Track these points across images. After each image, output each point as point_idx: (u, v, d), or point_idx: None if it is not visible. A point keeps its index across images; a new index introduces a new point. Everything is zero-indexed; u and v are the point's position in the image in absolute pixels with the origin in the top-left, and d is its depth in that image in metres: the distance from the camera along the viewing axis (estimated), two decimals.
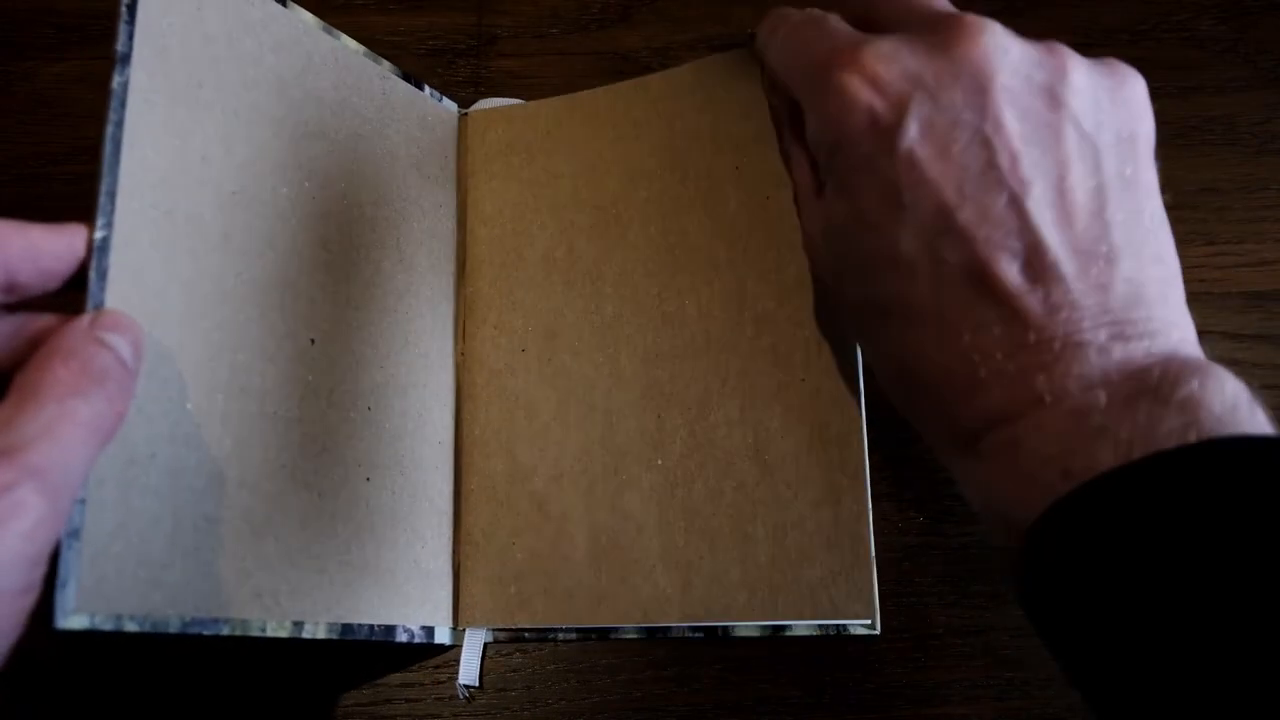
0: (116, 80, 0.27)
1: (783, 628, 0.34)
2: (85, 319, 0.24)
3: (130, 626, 0.24)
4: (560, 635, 0.35)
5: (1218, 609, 0.18)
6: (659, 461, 0.34)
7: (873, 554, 0.32)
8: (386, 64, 0.36)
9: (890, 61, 0.23)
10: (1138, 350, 0.21)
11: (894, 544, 0.35)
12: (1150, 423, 0.20)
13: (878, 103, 0.23)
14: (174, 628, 0.25)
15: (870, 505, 0.33)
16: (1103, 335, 0.21)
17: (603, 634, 0.35)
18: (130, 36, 0.27)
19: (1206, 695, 0.18)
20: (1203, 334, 0.38)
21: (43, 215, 0.40)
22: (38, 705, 0.33)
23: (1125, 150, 0.23)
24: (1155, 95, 0.40)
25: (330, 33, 0.34)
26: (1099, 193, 0.22)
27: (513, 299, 0.37)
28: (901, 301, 0.23)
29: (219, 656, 0.34)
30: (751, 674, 0.34)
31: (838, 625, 0.33)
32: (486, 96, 0.40)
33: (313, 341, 0.31)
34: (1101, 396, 0.21)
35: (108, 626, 0.24)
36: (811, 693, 0.34)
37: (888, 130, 0.23)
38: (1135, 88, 0.24)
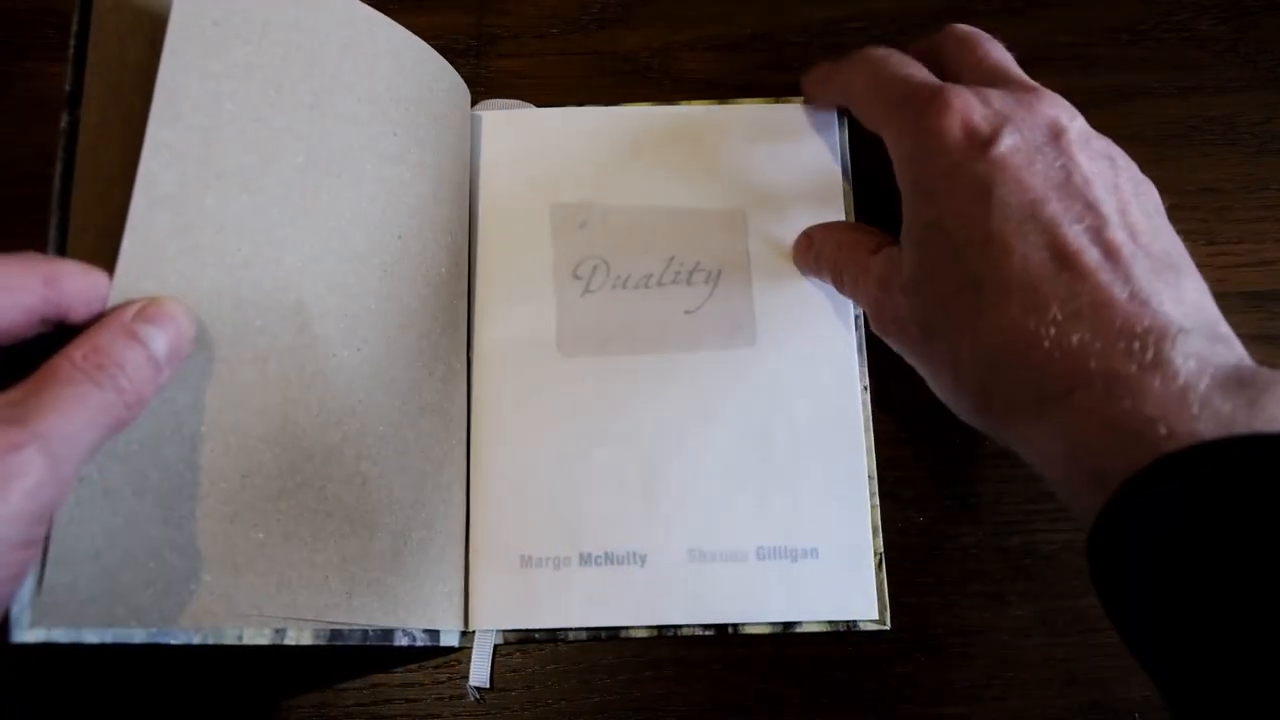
0: (66, 120, 0.26)
1: (792, 624, 0.34)
2: (132, 308, 0.25)
3: (90, 639, 0.24)
4: (570, 635, 0.35)
5: None
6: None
7: (881, 551, 0.34)
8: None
9: (987, 98, 0.29)
10: (1229, 353, 0.24)
11: (894, 544, 0.35)
12: (1250, 410, 0.22)
13: (975, 120, 0.28)
14: (139, 638, 0.25)
15: (876, 504, 0.35)
16: (1195, 331, 0.24)
17: (612, 633, 0.35)
18: (79, 77, 0.27)
19: None
20: None
21: (44, 215, 0.40)
22: (38, 705, 0.33)
23: (1153, 206, 0.29)
24: (1155, 95, 0.41)
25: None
26: (1153, 226, 0.27)
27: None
28: (994, 275, 0.27)
29: (214, 657, 0.34)
30: (752, 674, 0.34)
31: (848, 621, 0.34)
32: (487, 97, 0.40)
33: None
34: (1206, 379, 0.23)
35: (65, 639, 0.24)
36: (811, 693, 0.34)
37: (983, 141, 0.28)
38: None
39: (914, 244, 0.29)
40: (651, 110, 0.39)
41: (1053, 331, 0.25)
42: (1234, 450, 0.21)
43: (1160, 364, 0.23)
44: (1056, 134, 0.28)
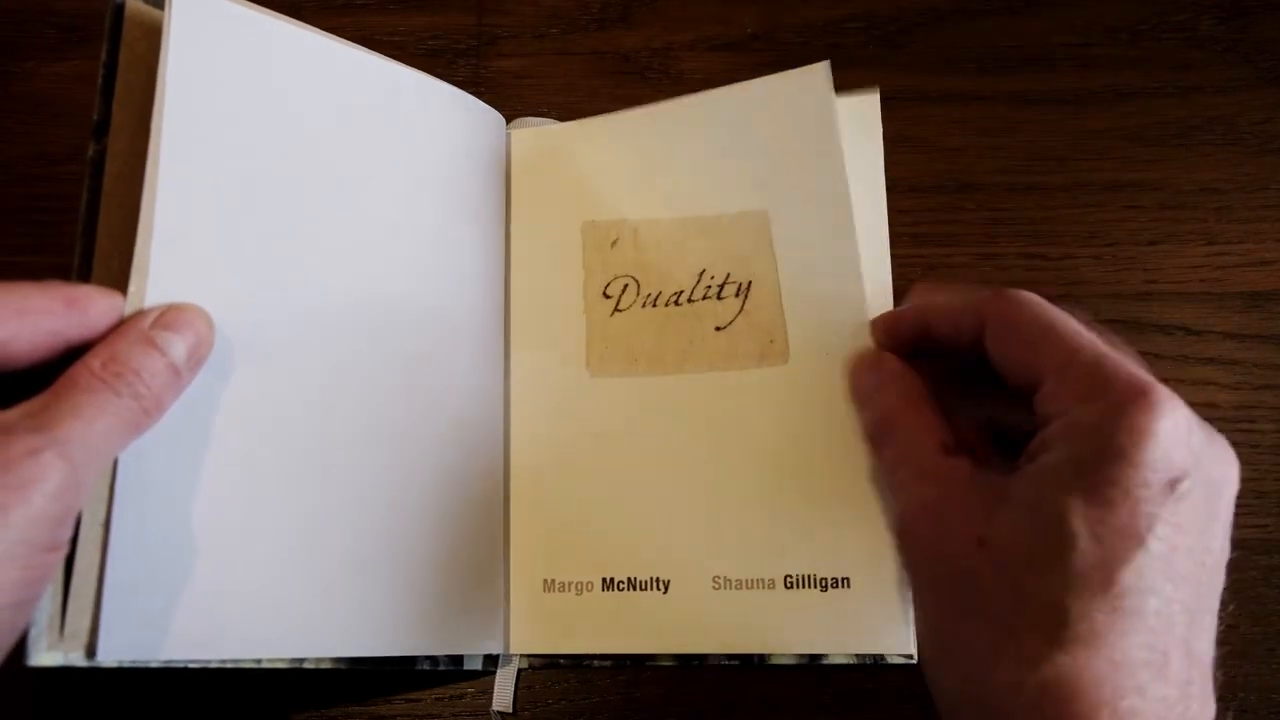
0: (93, 148, 0.27)
1: (819, 656, 0.33)
2: (149, 316, 0.25)
3: (107, 662, 0.25)
4: (595, 663, 0.34)
5: None
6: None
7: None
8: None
9: (1195, 430, 0.25)
10: None
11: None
12: None
13: (1177, 456, 0.25)
14: (156, 663, 0.25)
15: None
16: None
17: (638, 662, 0.34)
18: (108, 106, 0.27)
19: None
20: (1203, 334, 0.38)
21: (44, 216, 0.40)
22: (37, 706, 0.33)
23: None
24: (1155, 95, 0.41)
25: None
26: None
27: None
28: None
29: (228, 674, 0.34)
30: (752, 674, 0.34)
31: (874, 655, 0.33)
32: (487, 97, 0.40)
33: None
34: None
35: (82, 664, 0.24)
36: (812, 693, 0.34)
37: (1174, 480, 0.25)
38: None
39: (1043, 521, 0.25)
40: (674, 102, 0.38)
41: None
42: None
43: None
44: (1216, 514, 0.26)
